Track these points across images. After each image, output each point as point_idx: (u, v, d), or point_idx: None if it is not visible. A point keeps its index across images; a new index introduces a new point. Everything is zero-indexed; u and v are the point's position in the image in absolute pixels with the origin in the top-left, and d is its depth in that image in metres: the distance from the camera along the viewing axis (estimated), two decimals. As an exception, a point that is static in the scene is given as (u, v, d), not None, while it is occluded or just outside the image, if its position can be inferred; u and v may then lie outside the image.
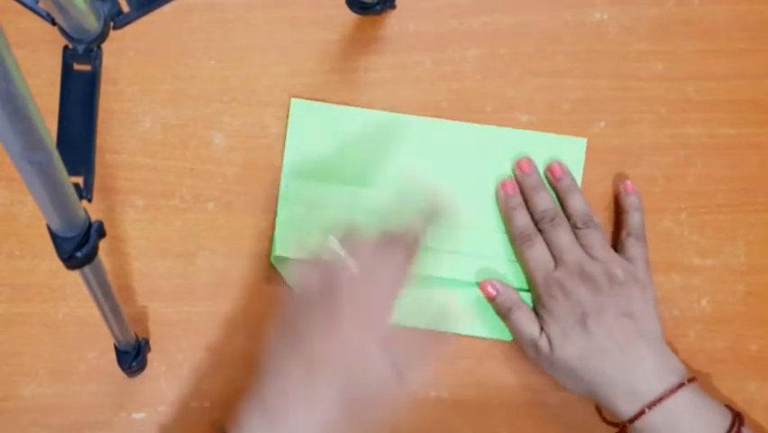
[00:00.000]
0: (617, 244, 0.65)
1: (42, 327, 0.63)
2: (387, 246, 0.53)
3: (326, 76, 0.66)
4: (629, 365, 0.59)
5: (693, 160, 0.67)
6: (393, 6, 0.66)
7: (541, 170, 0.65)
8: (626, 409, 0.58)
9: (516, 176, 0.65)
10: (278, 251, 0.63)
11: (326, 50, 0.66)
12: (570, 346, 0.60)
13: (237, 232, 0.65)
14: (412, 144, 0.66)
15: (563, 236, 0.62)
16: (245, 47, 0.66)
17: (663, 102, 0.67)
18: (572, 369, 0.60)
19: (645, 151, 0.67)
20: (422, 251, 0.64)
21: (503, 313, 0.63)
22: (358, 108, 0.66)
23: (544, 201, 0.64)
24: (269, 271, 0.64)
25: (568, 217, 0.64)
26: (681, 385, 0.58)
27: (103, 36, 0.47)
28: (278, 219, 0.64)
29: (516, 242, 0.64)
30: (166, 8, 0.50)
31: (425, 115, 0.66)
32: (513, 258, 0.65)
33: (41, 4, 0.45)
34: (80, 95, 0.49)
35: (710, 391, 0.64)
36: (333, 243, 0.53)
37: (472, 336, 0.65)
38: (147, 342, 0.62)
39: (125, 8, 0.48)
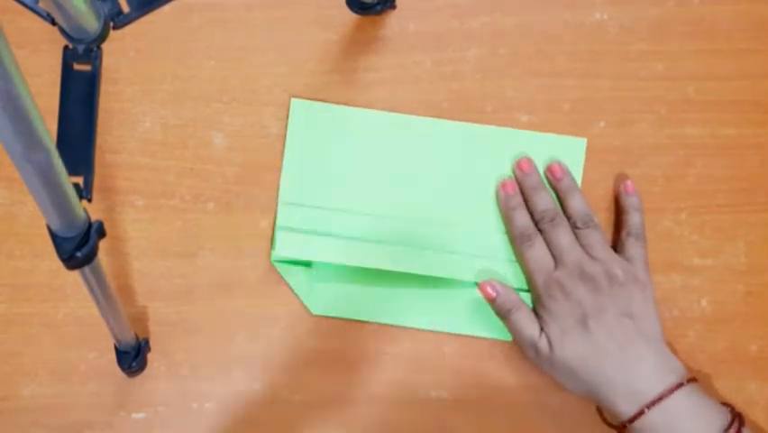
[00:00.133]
0: (616, 245, 0.65)
1: (42, 327, 0.63)
2: None
3: (326, 76, 0.66)
4: (629, 365, 0.59)
5: (693, 160, 0.67)
6: (393, 6, 0.66)
7: (541, 170, 0.65)
8: (625, 409, 0.58)
9: (516, 176, 0.65)
10: (279, 251, 0.63)
11: (326, 50, 0.66)
12: (570, 346, 0.60)
13: (237, 232, 0.65)
14: (412, 144, 0.66)
15: (563, 236, 0.62)
16: (245, 47, 0.66)
17: (663, 102, 0.67)
18: (572, 369, 0.60)
19: (645, 151, 0.67)
20: (422, 251, 0.64)
21: (503, 314, 0.63)
22: (358, 108, 0.66)
23: (544, 201, 0.64)
24: (270, 271, 0.64)
25: (568, 217, 0.64)
26: (680, 385, 0.58)
27: (103, 36, 0.47)
28: (278, 219, 0.64)
29: (516, 242, 0.64)
30: (166, 8, 0.50)
31: (425, 115, 0.66)
32: (513, 258, 0.64)
33: (41, 4, 0.45)
34: (80, 95, 0.49)
35: (710, 391, 0.64)
36: None
37: (472, 336, 0.65)
38: (147, 342, 0.62)
39: (125, 8, 0.48)
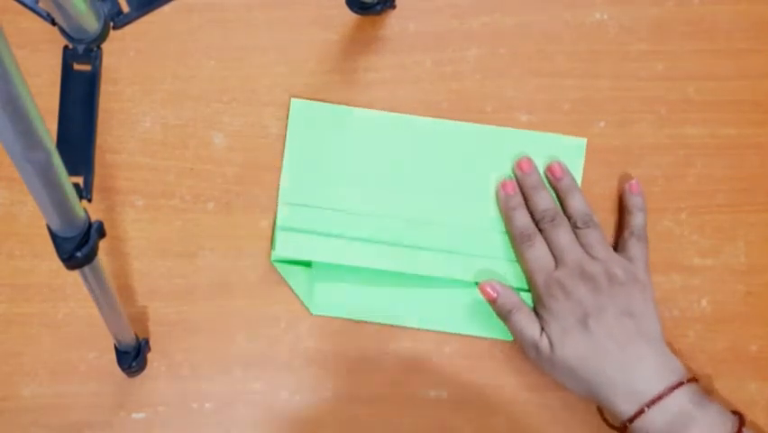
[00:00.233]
0: (617, 244, 0.65)
1: (42, 327, 0.63)
2: None
3: (326, 76, 0.66)
4: (629, 365, 0.59)
5: (693, 160, 0.67)
6: (393, 6, 0.66)
7: (541, 170, 0.65)
8: (625, 408, 0.58)
9: (516, 176, 0.65)
10: (279, 251, 0.63)
11: (326, 50, 0.66)
12: (570, 346, 0.60)
13: (237, 232, 0.65)
14: (412, 144, 0.66)
15: (564, 236, 0.62)
16: (245, 47, 0.66)
17: (663, 102, 0.67)
18: (573, 369, 0.60)
19: (645, 151, 0.67)
20: (422, 251, 0.64)
21: (503, 315, 0.63)
22: (358, 108, 0.66)
23: (545, 201, 0.64)
24: (269, 271, 0.64)
25: (568, 217, 0.64)
26: (680, 384, 0.58)
27: (103, 36, 0.47)
28: (278, 219, 0.64)
29: (517, 242, 0.64)
30: (166, 8, 0.50)
31: (425, 115, 0.66)
32: (513, 258, 0.64)
33: (41, 4, 0.45)
34: (80, 95, 0.49)
35: (710, 391, 0.64)
36: None
37: (472, 336, 0.65)
38: (147, 342, 0.62)
39: (125, 8, 0.48)
